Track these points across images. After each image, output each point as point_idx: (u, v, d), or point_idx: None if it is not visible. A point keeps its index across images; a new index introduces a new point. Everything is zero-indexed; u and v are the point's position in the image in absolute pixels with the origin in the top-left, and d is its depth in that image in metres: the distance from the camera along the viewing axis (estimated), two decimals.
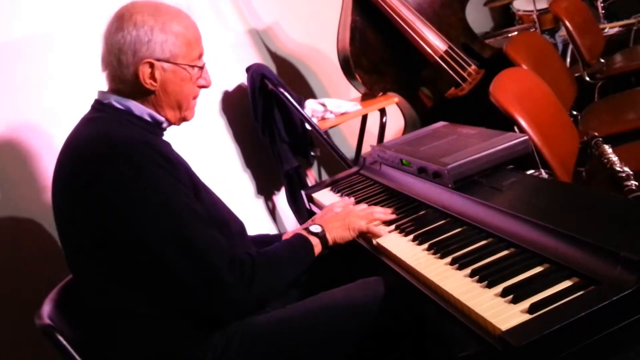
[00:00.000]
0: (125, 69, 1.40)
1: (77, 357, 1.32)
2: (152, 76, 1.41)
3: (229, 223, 1.50)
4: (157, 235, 1.28)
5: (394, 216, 1.62)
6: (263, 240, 1.75)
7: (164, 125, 1.49)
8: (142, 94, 1.44)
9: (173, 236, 1.29)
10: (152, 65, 1.40)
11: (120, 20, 1.40)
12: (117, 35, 1.39)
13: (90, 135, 1.39)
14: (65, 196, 1.38)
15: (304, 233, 1.54)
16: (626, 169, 1.71)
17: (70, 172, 1.37)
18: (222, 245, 1.34)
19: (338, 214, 1.62)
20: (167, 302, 1.34)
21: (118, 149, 1.32)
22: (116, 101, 1.44)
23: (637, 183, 1.63)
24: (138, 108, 1.44)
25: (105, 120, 1.42)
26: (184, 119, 1.53)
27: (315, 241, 1.51)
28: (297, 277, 1.47)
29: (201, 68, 1.49)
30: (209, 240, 1.32)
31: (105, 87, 1.48)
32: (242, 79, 3.05)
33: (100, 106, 1.46)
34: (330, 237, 1.54)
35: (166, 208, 1.30)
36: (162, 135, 1.51)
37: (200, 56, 1.48)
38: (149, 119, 1.45)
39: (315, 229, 1.54)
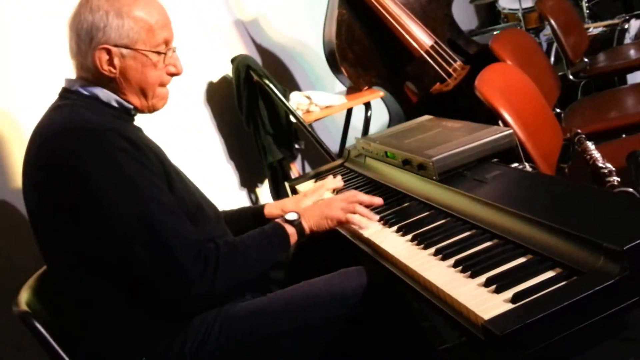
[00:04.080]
0: (85, 56, 1.38)
1: (53, 343, 1.31)
2: (111, 63, 1.37)
3: (204, 207, 1.48)
4: (120, 223, 1.26)
5: (380, 201, 1.60)
6: (243, 213, 1.78)
7: (133, 112, 1.46)
8: (105, 81, 1.40)
9: (136, 225, 1.27)
10: (109, 52, 1.36)
11: (79, 6, 1.38)
12: (75, 21, 1.37)
13: (56, 123, 1.35)
14: (32, 185, 1.35)
15: (280, 221, 1.50)
16: (608, 165, 1.71)
17: (36, 161, 1.34)
18: (187, 236, 1.31)
19: (318, 203, 1.59)
20: (132, 291, 1.32)
21: (82, 136, 1.29)
22: (82, 88, 1.41)
23: (619, 179, 1.64)
24: (105, 94, 1.41)
25: (72, 107, 1.38)
26: (154, 107, 1.47)
27: (291, 230, 1.48)
28: (269, 266, 1.45)
29: (164, 54, 1.42)
30: (174, 229, 1.29)
31: (73, 75, 1.45)
32: (227, 69, 3.03)
33: (67, 94, 1.43)
34: (307, 226, 1.50)
35: (130, 195, 1.27)
36: (132, 121, 1.47)
37: (166, 42, 1.42)
38: (116, 105, 1.42)
39: (292, 216, 1.51)
